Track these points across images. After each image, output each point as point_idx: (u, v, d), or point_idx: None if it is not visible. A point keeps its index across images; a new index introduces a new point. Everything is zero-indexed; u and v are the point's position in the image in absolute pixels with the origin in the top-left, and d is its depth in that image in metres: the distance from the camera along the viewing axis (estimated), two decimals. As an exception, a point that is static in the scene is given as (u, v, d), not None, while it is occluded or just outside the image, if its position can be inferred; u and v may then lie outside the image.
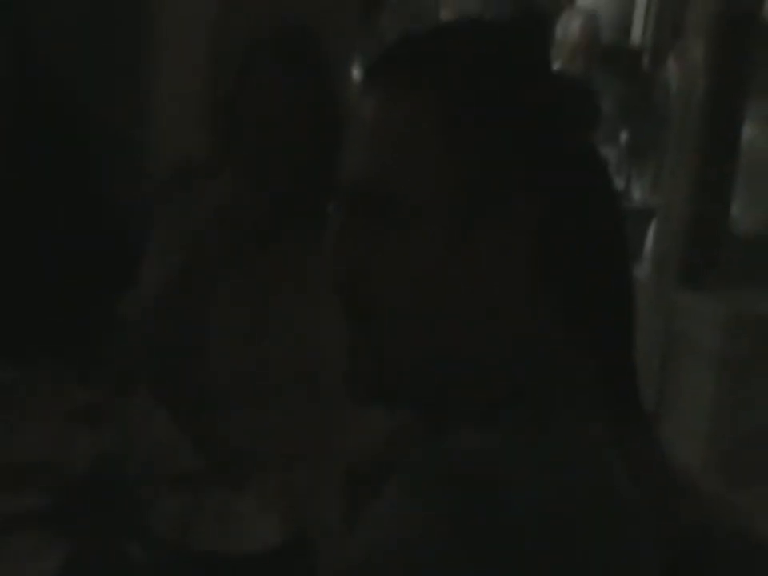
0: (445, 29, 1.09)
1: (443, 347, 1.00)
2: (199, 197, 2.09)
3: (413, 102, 0.99)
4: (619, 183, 5.00)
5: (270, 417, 1.98)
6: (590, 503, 0.92)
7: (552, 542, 0.88)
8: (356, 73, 3.32)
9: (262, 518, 1.60)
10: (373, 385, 1.02)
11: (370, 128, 1.01)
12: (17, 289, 2.09)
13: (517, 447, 0.92)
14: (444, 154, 0.98)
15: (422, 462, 0.91)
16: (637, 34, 8.10)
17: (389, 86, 1.01)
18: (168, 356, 2.02)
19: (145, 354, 2.00)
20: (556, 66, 5.30)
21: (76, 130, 2.22)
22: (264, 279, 2.07)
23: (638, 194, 5.32)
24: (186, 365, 2.03)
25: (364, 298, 1.01)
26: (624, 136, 5.62)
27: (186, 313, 2.04)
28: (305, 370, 2.00)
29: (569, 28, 5.77)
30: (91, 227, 2.20)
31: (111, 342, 2.00)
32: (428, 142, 0.99)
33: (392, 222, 0.99)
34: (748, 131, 4.32)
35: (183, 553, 1.50)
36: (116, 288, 2.05)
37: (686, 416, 3.89)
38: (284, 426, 1.97)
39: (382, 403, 1.04)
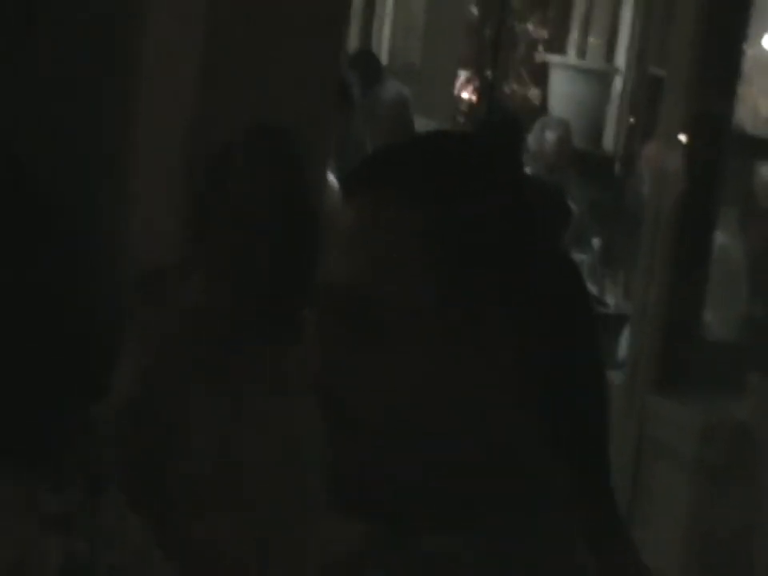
0: (420, 141, 1.11)
1: (423, 457, 0.99)
2: (173, 299, 2.09)
3: (390, 213, 1.00)
4: (593, 289, 5.04)
5: (244, 521, 1.96)
6: None
7: None
8: (330, 174, 3.35)
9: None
10: (352, 493, 1.01)
11: (350, 235, 1.02)
12: None
13: (489, 553, 0.92)
14: (422, 265, 0.99)
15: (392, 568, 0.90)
16: (608, 141, 8.22)
17: (367, 197, 1.02)
18: (142, 459, 2.00)
19: (118, 457, 1.99)
20: (529, 172, 5.36)
21: (47, 232, 2.22)
22: (238, 381, 2.06)
23: (611, 299, 5.36)
24: (160, 468, 2.01)
25: (343, 404, 1.00)
26: (597, 242, 5.68)
27: (160, 415, 2.03)
28: (281, 474, 1.99)
29: (542, 136, 5.86)
30: (61, 330, 2.19)
31: (84, 446, 1.98)
32: (406, 254, 0.99)
33: (371, 331, 0.99)
34: (719, 237, 4.38)
35: None
36: (88, 391, 2.03)
37: (660, 522, 3.88)
38: (258, 531, 1.95)
39: (361, 512, 1.03)
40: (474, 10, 8.90)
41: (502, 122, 5.58)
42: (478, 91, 8.51)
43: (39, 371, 2.08)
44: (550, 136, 5.88)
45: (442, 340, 0.99)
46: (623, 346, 4.48)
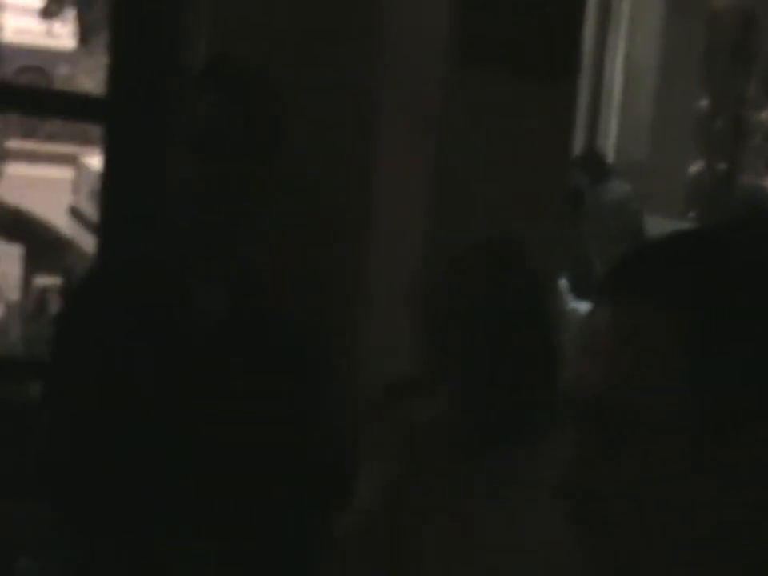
0: (674, 241, 1.09)
1: (675, 562, 0.99)
2: (412, 412, 2.10)
3: (651, 320, 1.00)
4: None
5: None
6: None
7: None
8: (562, 284, 3.34)
9: None
10: None
11: (604, 343, 1.02)
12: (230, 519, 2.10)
13: None
14: (685, 372, 0.98)
15: None
16: None
17: (623, 303, 1.02)
18: (381, 572, 2.01)
19: (358, 572, 2.00)
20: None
21: (288, 354, 2.27)
22: (474, 493, 2.05)
23: None
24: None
25: (600, 509, 1.00)
26: None
27: (399, 530, 2.03)
28: None
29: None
30: (302, 451, 2.23)
31: (326, 561, 2.00)
32: (665, 357, 0.98)
33: (627, 438, 0.99)
34: None
35: None
36: (329, 510, 2.06)
37: None
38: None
39: None
40: (704, 102, 8.78)
41: (753, 216, 5.42)
42: (711, 184, 8.35)
43: (280, 491, 2.13)
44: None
45: (703, 449, 0.97)
46: None
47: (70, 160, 8.62)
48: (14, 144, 8.88)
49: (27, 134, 10.57)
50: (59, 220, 5.91)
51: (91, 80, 9.64)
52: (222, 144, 2.09)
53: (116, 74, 2.88)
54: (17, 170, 8.15)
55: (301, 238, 2.73)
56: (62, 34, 11.61)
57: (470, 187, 2.59)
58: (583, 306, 3.53)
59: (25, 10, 11.40)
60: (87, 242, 4.68)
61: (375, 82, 2.71)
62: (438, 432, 2.07)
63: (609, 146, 8.56)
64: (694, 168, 8.41)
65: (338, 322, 2.71)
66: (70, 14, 11.54)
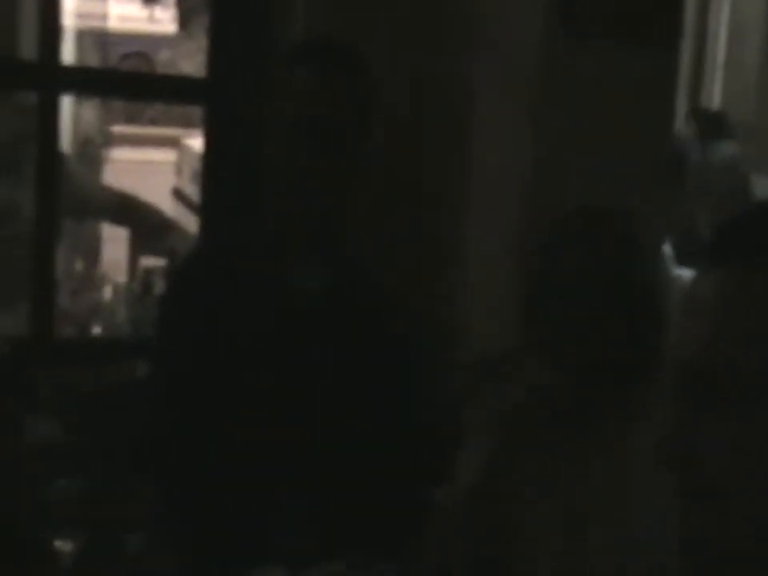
0: None
1: None
2: (512, 379, 2.08)
3: (758, 284, 1.01)
4: None
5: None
6: None
7: None
8: (667, 250, 3.28)
9: None
10: (714, 564, 1.01)
11: (710, 307, 1.03)
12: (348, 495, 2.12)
13: None
14: None
15: None
16: None
17: (730, 267, 1.03)
18: (482, 548, 2.00)
19: (460, 546, 2.00)
20: None
21: (387, 330, 2.27)
22: (572, 464, 2.03)
23: None
24: (502, 554, 2.00)
25: (706, 474, 1.01)
26: None
27: (501, 502, 2.02)
28: (623, 562, 1.94)
29: None
30: (404, 427, 2.23)
31: (429, 536, 2.00)
32: None
33: (730, 402, 1.00)
34: None
35: None
36: (430, 481, 2.06)
37: None
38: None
39: None
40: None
41: None
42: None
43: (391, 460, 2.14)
44: None
45: None
46: None
47: (173, 142, 8.74)
48: (118, 129, 9.02)
49: (131, 119, 10.74)
50: (163, 202, 6.00)
51: (192, 63, 9.75)
52: (320, 123, 2.10)
53: (216, 56, 2.91)
54: (121, 154, 8.28)
55: (399, 214, 2.73)
56: (163, 19, 11.76)
57: (570, 155, 2.57)
58: (687, 273, 3.48)
59: (128, -2, 11.59)
60: (190, 224, 4.74)
61: (475, 55, 2.69)
62: (538, 404, 2.06)
63: (714, 107, 8.39)
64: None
65: (437, 296, 2.71)
66: (170, -1, 11.69)
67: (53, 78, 2.95)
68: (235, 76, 2.89)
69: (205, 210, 3.09)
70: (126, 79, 3.65)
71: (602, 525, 1.97)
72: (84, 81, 3.26)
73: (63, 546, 1.70)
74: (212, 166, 3.01)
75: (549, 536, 2.00)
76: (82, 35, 7.61)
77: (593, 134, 2.57)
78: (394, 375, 2.23)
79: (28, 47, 4.04)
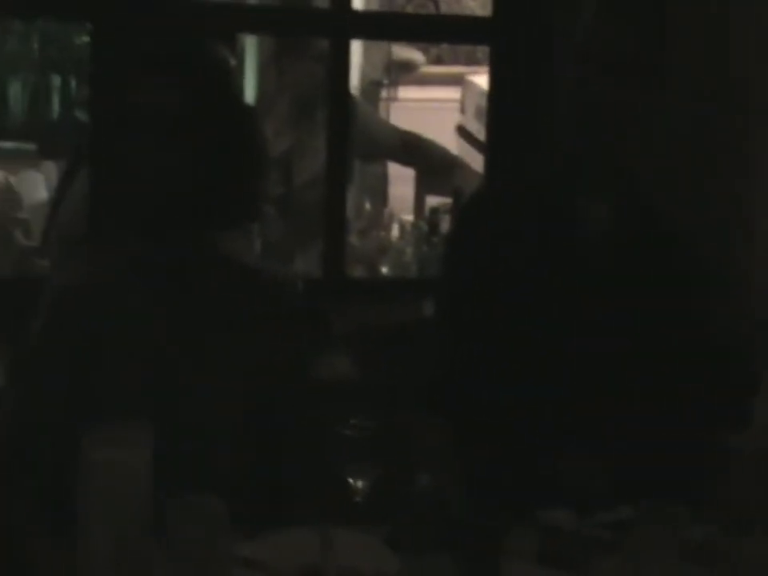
0: None
1: None
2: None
3: None
4: None
5: None
6: None
7: None
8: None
9: None
10: None
11: None
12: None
13: None
14: None
15: None
16: None
17: None
18: None
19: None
20: None
21: (677, 264, 2.21)
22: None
23: None
24: None
25: None
26: None
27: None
28: None
29: None
30: (701, 367, 2.17)
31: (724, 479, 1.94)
32: None
33: None
34: None
35: None
36: (726, 427, 2.00)
37: None
38: None
39: None
40: None
41: None
42: None
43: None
44: None
45: None
46: None
47: (458, 80, 8.75)
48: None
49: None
50: (447, 140, 6.03)
51: (476, 1, 9.73)
52: (606, 53, 2.05)
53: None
54: (407, 93, 8.36)
55: (683, 147, 2.65)
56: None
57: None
58: None
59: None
60: (475, 161, 4.75)
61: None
62: None
63: None
64: None
65: (728, 233, 2.62)
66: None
67: (344, 24, 3.00)
68: (519, 14, 2.86)
69: (490, 147, 3.09)
70: (413, 21, 3.69)
71: None
72: (374, 25, 3.30)
73: (357, 482, 1.74)
74: (497, 103, 3.00)
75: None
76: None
77: None
78: (689, 307, 2.18)
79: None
